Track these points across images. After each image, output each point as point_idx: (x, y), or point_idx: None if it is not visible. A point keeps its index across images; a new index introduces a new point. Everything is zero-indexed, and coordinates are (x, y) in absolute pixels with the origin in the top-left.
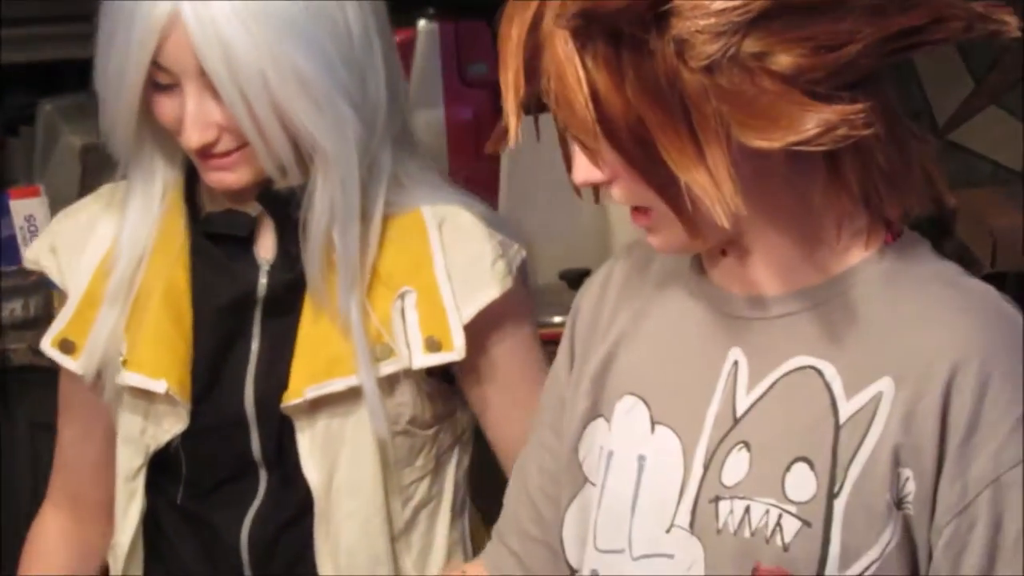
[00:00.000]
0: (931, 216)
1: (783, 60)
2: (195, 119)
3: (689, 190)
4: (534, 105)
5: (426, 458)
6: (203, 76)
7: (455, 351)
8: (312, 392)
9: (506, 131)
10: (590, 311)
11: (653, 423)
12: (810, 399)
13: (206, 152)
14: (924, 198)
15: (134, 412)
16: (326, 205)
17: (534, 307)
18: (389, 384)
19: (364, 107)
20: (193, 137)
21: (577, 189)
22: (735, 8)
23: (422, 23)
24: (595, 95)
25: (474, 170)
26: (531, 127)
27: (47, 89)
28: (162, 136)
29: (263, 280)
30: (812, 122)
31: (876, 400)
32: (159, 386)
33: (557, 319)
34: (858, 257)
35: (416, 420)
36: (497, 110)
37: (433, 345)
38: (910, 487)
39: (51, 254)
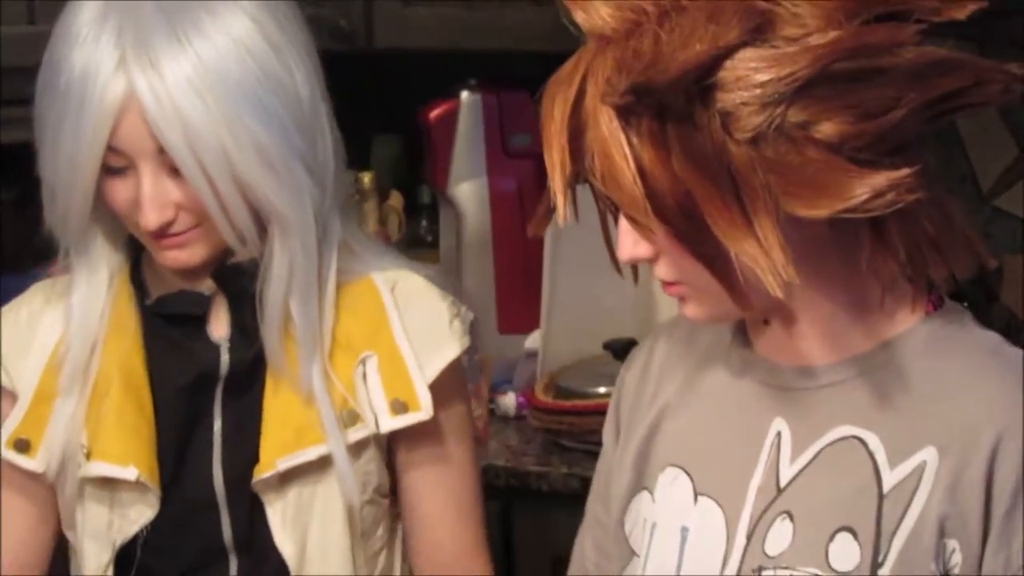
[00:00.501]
0: (976, 280)
1: (828, 128)
2: (153, 200)
3: (739, 262)
4: (573, 178)
5: (384, 529)
6: (160, 155)
7: (423, 411)
8: (284, 464)
9: (550, 211)
10: (635, 384)
11: (696, 494)
12: (853, 469)
13: (162, 232)
14: (967, 261)
15: (99, 504)
16: (284, 273)
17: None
18: (357, 450)
19: (316, 171)
20: (152, 218)
21: (618, 267)
22: (779, 79)
23: (465, 94)
24: (642, 171)
25: (518, 240)
26: (575, 202)
27: None
28: (107, 221)
29: (225, 358)
30: (860, 189)
31: (920, 470)
32: (129, 473)
33: (602, 389)
34: (902, 325)
35: (380, 488)
36: (540, 181)
37: (399, 407)
38: (956, 558)
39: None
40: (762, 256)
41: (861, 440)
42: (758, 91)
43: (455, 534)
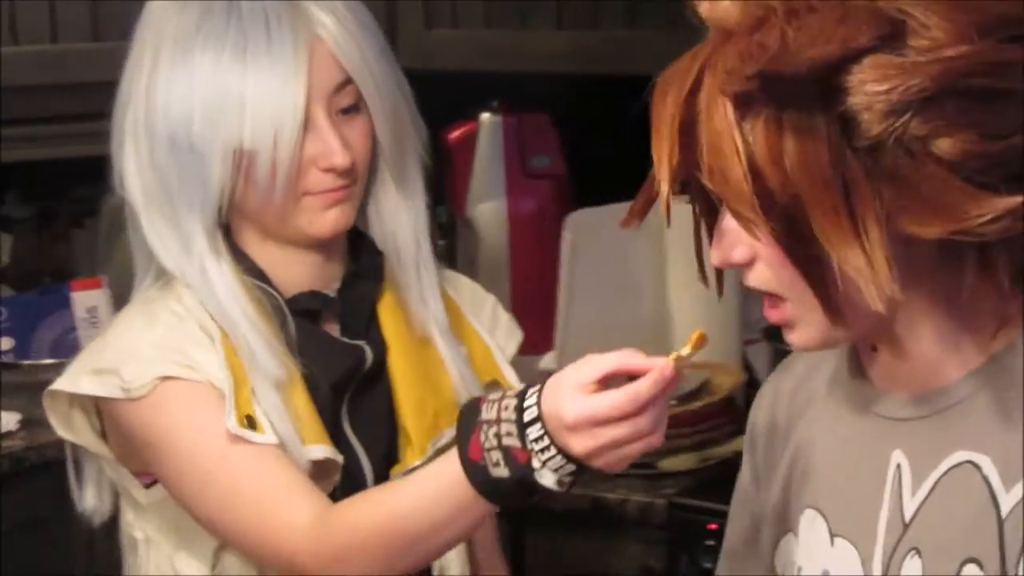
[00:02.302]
0: None
1: (949, 145)
2: (339, 140)
3: (840, 272)
4: (679, 170)
5: None
6: (335, 95)
7: (514, 389)
8: (434, 446)
9: (646, 204)
10: (766, 426)
11: (832, 536)
12: (970, 495)
13: (333, 184)
14: None
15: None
16: (412, 248)
17: None
18: None
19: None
20: (344, 157)
21: (705, 276)
22: (906, 88)
23: (485, 116)
24: (753, 167)
25: (534, 260)
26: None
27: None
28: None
29: (370, 355)
30: (975, 211)
31: None
32: (339, 457)
33: None
34: (1007, 339)
35: None
36: (559, 202)
37: (495, 389)
38: None
39: (180, 365)
40: (866, 267)
41: (975, 464)
42: (882, 98)
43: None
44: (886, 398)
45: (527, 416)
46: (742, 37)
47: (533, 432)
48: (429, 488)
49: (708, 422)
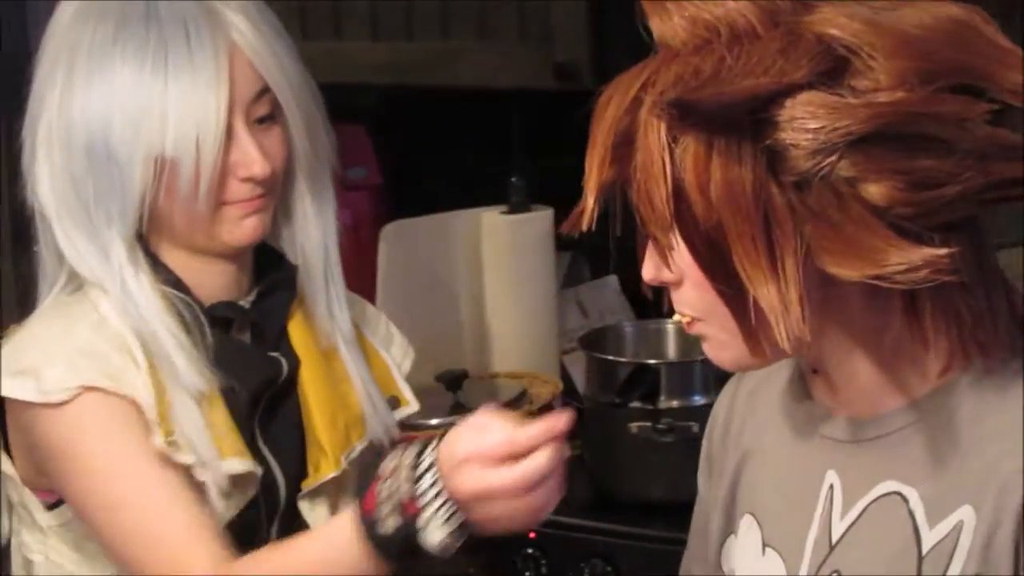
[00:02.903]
0: None
1: (876, 190)
2: (258, 149)
3: (756, 305)
4: (608, 183)
5: None
6: (253, 104)
7: (411, 404)
8: (347, 458)
9: (581, 213)
10: (723, 422)
11: (764, 545)
12: (894, 527)
13: (251, 193)
14: (1008, 353)
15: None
16: (320, 263)
17: None
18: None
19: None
20: (264, 167)
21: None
22: (835, 128)
23: None
24: (678, 191)
25: (352, 272)
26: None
27: None
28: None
29: (285, 366)
30: (894, 258)
31: (958, 530)
32: (258, 470)
33: (434, 421)
34: (949, 375)
35: None
36: (376, 214)
37: (393, 404)
38: None
39: (104, 375)
40: (779, 304)
41: (903, 496)
42: (811, 136)
43: None
44: (826, 418)
45: (423, 464)
46: (684, 58)
47: (426, 480)
48: (326, 546)
49: None
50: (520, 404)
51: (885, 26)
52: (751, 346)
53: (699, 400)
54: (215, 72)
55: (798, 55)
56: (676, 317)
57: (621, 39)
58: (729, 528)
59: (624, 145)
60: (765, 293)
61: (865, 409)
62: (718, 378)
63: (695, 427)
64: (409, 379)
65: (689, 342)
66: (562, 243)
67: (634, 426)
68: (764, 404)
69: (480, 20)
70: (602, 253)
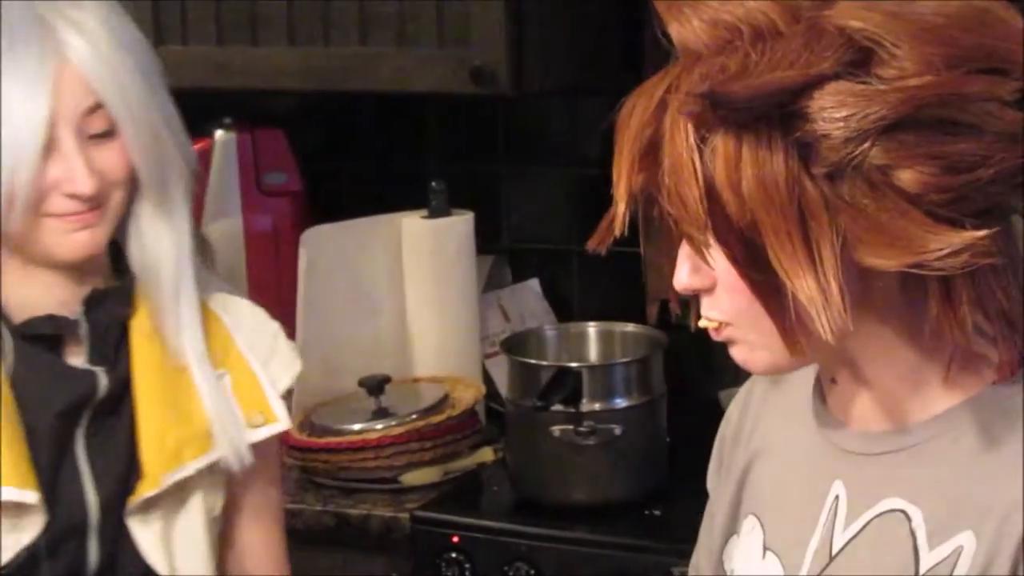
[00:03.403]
0: None
1: (909, 176)
2: (85, 163)
3: (794, 300)
4: (637, 190)
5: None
6: (86, 118)
7: (280, 421)
8: (169, 478)
9: (611, 224)
10: (736, 417)
11: (765, 548)
12: (895, 545)
13: (78, 208)
14: None
15: None
16: (171, 270)
17: None
18: (212, 468)
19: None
20: (88, 183)
21: (676, 297)
22: (865, 116)
23: (219, 133)
24: (710, 191)
25: (272, 278)
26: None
27: None
28: None
29: (103, 382)
30: (933, 244)
31: (957, 554)
32: (32, 497)
33: (356, 426)
34: (961, 397)
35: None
36: (295, 219)
37: (257, 421)
38: None
39: None
40: (819, 296)
41: (906, 515)
42: (841, 125)
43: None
44: (839, 428)
45: None
46: (708, 60)
47: None
48: None
49: (449, 435)
50: (442, 408)
51: (905, 15)
52: (789, 344)
53: (621, 403)
54: (36, 86)
55: (822, 48)
56: (702, 322)
57: (538, 43)
58: (733, 527)
59: (651, 153)
60: (804, 286)
61: (880, 422)
62: (640, 381)
63: (617, 430)
64: (332, 384)
65: (611, 345)
66: (483, 247)
67: (556, 429)
68: (777, 409)
69: (398, 25)
70: (523, 257)
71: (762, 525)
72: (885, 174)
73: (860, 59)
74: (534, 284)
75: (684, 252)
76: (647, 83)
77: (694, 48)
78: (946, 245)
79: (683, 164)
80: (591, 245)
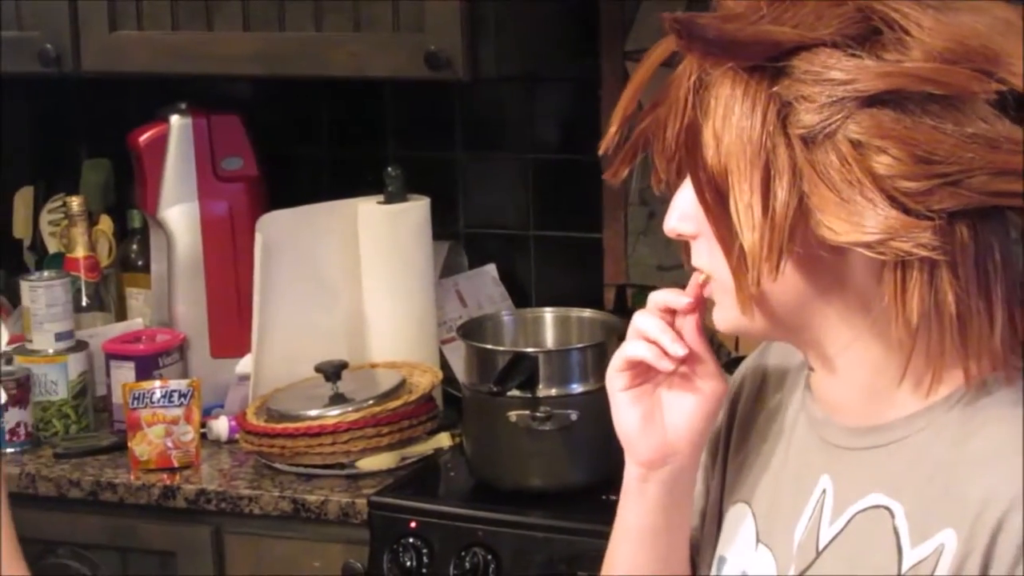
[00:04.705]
0: None
1: (878, 157)
2: None
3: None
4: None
5: None
6: None
7: None
8: None
9: (628, 156)
10: (728, 406)
11: (757, 540)
12: (878, 542)
13: None
14: (990, 358)
15: None
16: None
17: None
18: None
19: None
20: None
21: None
22: (846, 83)
23: (175, 119)
24: (693, 131)
25: (228, 263)
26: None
27: None
28: None
29: None
30: (872, 222)
31: (939, 552)
32: None
33: (313, 412)
34: (938, 395)
35: None
36: (252, 204)
37: None
38: None
39: None
40: (758, 247)
41: (890, 511)
42: (821, 89)
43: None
44: (825, 420)
45: None
46: (727, 4)
47: None
48: None
49: (406, 421)
50: (399, 393)
51: (943, 16)
52: (741, 301)
53: (577, 388)
54: None
55: (831, 16)
56: (695, 273)
57: (494, 29)
58: (722, 510)
59: (663, 91)
60: (750, 238)
61: (861, 418)
62: (596, 367)
63: (573, 415)
64: (289, 370)
65: (567, 330)
66: (440, 232)
67: (513, 414)
68: (779, 388)
69: (353, 10)
70: (480, 242)
71: (754, 516)
72: (856, 150)
73: (863, 35)
74: (491, 269)
75: (677, 197)
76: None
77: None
78: (884, 227)
79: (677, 99)
80: (607, 176)
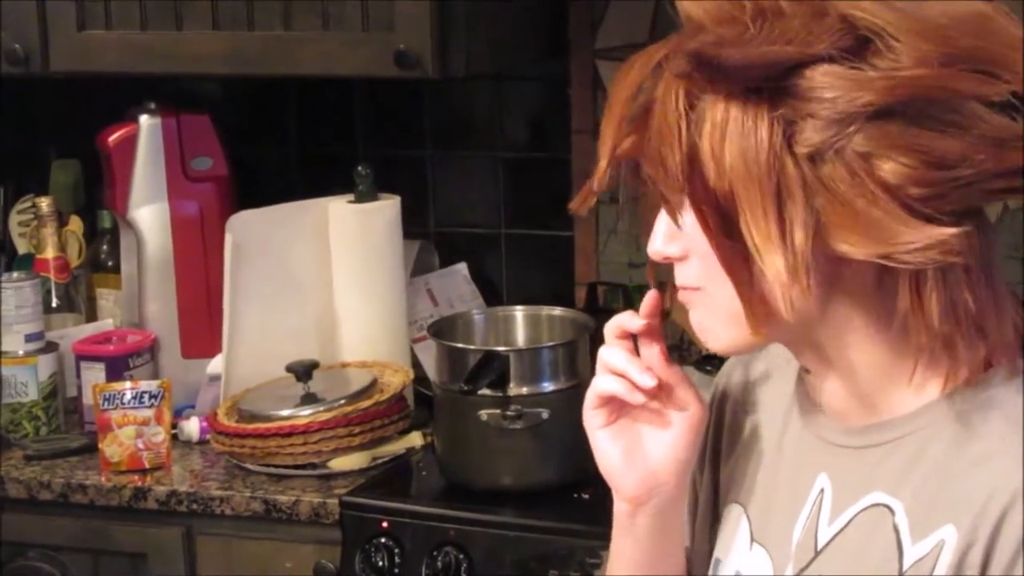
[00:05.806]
0: None
1: (889, 167)
2: None
3: (761, 276)
4: (619, 150)
5: None
6: None
7: None
8: None
9: (593, 188)
10: (716, 408)
11: (752, 540)
12: (879, 540)
13: None
14: (1009, 349)
15: None
16: None
17: None
18: None
19: None
20: None
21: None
22: (852, 99)
23: (144, 118)
24: (692, 156)
25: (199, 264)
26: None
27: None
28: None
29: None
30: (904, 237)
31: (939, 548)
32: None
33: (285, 412)
34: (938, 393)
35: None
36: (221, 204)
37: None
38: None
39: None
40: (784, 272)
41: (889, 508)
42: (827, 106)
43: None
44: (822, 420)
45: None
46: (708, 29)
47: None
48: None
49: (378, 420)
50: (370, 393)
51: (910, 12)
52: (751, 317)
53: (548, 387)
54: None
55: (821, 30)
56: (680, 287)
57: (463, 28)
58: (715, 512)
59: (641, 117)
60: (772, 262)
61: (860, 416)
62: (567, 365)
63: (544, 414)
64: (260, 370)
65: (538, 329)
66: (410, 231)
67: (484, 413)
68: (770, 392)
69: (322, 9)
70: (451, 241)
71: (748, 517)
72: (866, 162)
73: (856, 46)
74: (462, 268)
75: (660, 220)
76: (645, 49)
77: (697, 18)
78: (917, 239)
79: (670, 127)
80: (574, 207)
